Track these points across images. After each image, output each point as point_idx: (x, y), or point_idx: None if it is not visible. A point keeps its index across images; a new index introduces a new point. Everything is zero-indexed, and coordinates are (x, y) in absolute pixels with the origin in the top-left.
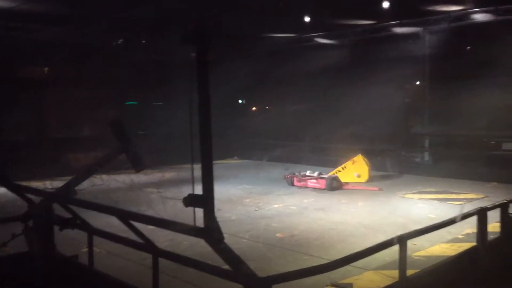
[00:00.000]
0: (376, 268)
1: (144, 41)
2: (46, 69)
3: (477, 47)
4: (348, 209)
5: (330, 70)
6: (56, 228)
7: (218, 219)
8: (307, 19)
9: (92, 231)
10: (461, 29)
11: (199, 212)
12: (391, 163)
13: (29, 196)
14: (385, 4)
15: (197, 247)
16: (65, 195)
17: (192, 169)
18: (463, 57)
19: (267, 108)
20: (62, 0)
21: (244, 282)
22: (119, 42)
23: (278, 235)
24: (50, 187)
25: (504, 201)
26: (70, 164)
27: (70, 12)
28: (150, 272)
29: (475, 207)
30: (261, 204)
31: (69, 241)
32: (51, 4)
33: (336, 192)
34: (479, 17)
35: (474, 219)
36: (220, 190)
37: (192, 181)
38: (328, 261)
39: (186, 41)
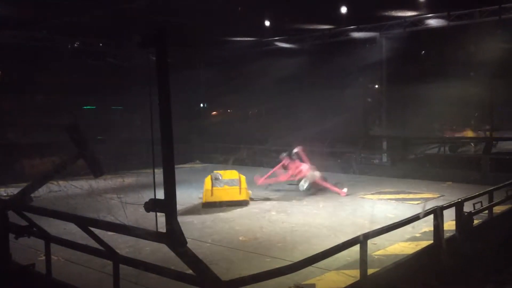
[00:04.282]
0: (338, 268)
1: (101, 45)
2: (0, 72)
3: (431, 52)
4: (309, 210)
5: (290, 74)
6: (11, 236)
7: (180, 224)
8: (267, 23)
9: (50, 239)
10: (416, 34)
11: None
12: (351, 164)
13: None
14: (343, 10)
15: (160, 252)
16: (21, 202)
17: (154, 174)
18: (418, 61)
19: (229, 111)
20: (15, 2)
21: (208, 286)
22: (75, 45)
23: (241, 238)
24: (4, 194)
25: (459, 200)
26: (25, 170)
27: (24, 15)
28: (111, 279)
29: (432, 206)
30: (223, 207)
31: (25, 250)
32: (5, 7)
33: (297, 194)
34: (433, 22)
35: (430, 218)
36: (182, 195)
37: (154, 186)
38: (291, 263)
39: (145, 44)
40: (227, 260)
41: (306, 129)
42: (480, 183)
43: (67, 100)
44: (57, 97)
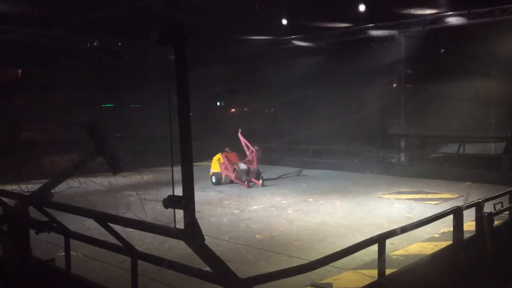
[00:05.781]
0: (355, 268)
1: (120, 43)
2: (19, 71)
3: (450, 50)
4: (326, 209)
5: (307, 73)
6: (31, 231)
7: (198, 221)
8: (284, 21)
9: (69, 234)
10: (436, 32)
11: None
12: (368, 163)
13: (4, 199)
14: (362, 7)
15: (177, 249)
16: (41, 198)
17: (172, 170)
18: (437, 59)
19: (246, 110)
20: (33, 1)
21: (225, 283)
22: (95, 43)
23: (257, 236)
24: (25, 190)
25: (479, 200)
26: (46, 167)
27: (42, 13)
28: (129, 275)
29: (451, 206)
30: (240, 205)
31: (45, 245)
32: (24, 5)
33: (314, 193)
34: (453, 20)
35: (450, 218)
36: (200, 192)
37: (172, 182)
38: (308, 262)
39: (162, 41)
40: (244, 258)
41: (323, 128)
42: (500, 183)
43: (86, 98)
44: (76, 95)
